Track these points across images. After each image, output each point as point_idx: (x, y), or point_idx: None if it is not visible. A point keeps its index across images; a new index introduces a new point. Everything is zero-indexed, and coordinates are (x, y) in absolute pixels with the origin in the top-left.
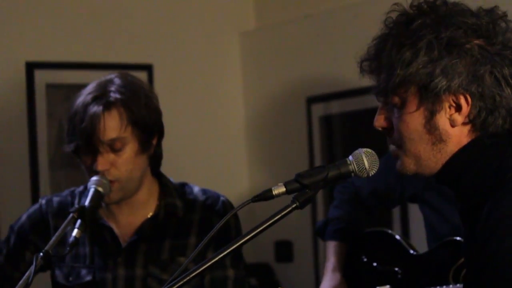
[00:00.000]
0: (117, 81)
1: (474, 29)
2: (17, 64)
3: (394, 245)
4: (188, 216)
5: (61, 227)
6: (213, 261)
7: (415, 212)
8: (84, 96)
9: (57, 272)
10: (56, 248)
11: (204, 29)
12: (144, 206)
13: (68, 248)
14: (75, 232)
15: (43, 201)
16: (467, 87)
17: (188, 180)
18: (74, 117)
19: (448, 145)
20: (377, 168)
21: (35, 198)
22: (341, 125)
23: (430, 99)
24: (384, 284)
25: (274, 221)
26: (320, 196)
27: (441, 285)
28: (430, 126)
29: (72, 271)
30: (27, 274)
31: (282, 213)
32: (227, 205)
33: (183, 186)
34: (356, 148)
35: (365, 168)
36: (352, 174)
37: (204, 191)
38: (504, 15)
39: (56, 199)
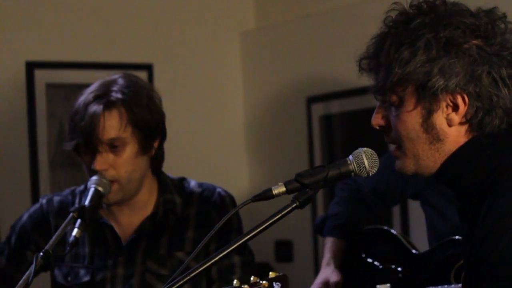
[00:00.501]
0: (120, 81)
1: (473, 29)
2: (17, 64)
3: (394, 243)
4: (185, 211)
5: (61, 227)
6: (215, 259)
7: (415, 209)
8: (86, 95)
9: (57, 271)
10: (56, 248)
11: (204, 29)
12: (145, 206)
13: (68, 248)
14: (75, 231)
15: (43, 201)
16: (465, 87)
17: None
18: (75, 115)
19: (446, 144)
20: (377, 167)
21: (35, 197)
22: (341, 125)
23: (428, 98)
24: (385, 283)
25: (274, 220)
26: (320, 195)
27: (443, 284)
28: (427, 125)
29: (71, 271)
30: (27, 273)
31: (282, 213)
32: (224, 196)
33: (181, 181)
34: (356, 148)
35: (365, 167)
36: (352, 174)
37: (200, 184)
38: (504, 16)
39: (56, 199)
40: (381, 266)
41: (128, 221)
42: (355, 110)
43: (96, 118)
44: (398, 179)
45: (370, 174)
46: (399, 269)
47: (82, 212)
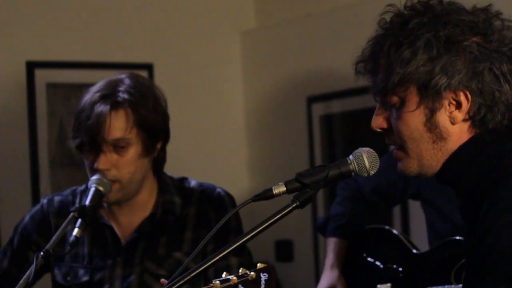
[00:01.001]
0: (127, 81)
1: (472, 27)
2: (18, 64)
3: (395, 243)
4: (184, 211)
5: (61, 227)
6: (213, 260)
7: (415, 209)
8: (92, 94)
9: (56, 271)
10: (56, 248)
11: (205, 28)
12: (145, 206)
13: (68, 248)
14: (75, 231)
15: (44, 201)
16: (467, 84)
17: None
18: (81, 113)
19: (448, 143)
20: (378, 167)
21: (35, 197)
22: (342, 125)
23: (430, 97)
24: (385, 282)
25: (274, 220)
26: (320, 195)
27: (443, 284)
28: (431, 124)
29: (71, 270)
30: (27, 273)
31: (283, 213)
32: (224, 196)
33: (182, 180)
34: (357, 148)
35: (366, 167)
36: (353, 174)
37: (200, 184)
38: (499, 13)
39: (57, 198)
40: (382, 266)
41: (127, 221)
42: (356, 109)
43: (102, 118)
44: (399, 179)
45: (371, 174)
46: (400, 269)
47: (82, 211)
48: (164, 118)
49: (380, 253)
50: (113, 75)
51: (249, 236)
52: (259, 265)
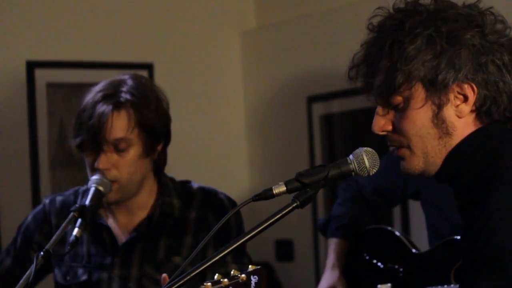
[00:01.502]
0: (130, 82)
1: (470, 20)
2: (18, 63)
3: (395, 243)
4: (184, 215)
5: (61, 226)
6: (213, 260)
7: (415, 209)
8: (94, 93)
9: (56, 271)
10: (56, 247)
11: (205, 28)
12: (143, 207)
13: (68, 247)
14: (75, 231)
15: (46, 201)
16: (473, 76)
17: (188, 179)
18: (83, 113)
19: (453, 138)
20: (378, 167)
21: (35, 196)
22: (342, 124)
23: (437, 92)
24: (386, 282)
25: (274, 220)
26: (320, 195)
27: (443, 284)
28: (438, 119)
29: (70, 270)
30: (27, 273)
31: (283, 212)
32: (225, 201)
33: (183, 183)
34: (357, 147)
35: (366, 167)
36: (353, 173)
37: (202, 188)
38: (490, 7)
39: (59, 198)
40: (382, 266)
41: (126, 221)
42: (356, 109)
43: (104, 118)
44: (399, 178)
45: (371, 174)
46: (400, 269)
47: (82, 211)
48: (165, 120)
49: (380, 253)
50: (113, 75)
51: (249, 236)
52: (250, 267)
